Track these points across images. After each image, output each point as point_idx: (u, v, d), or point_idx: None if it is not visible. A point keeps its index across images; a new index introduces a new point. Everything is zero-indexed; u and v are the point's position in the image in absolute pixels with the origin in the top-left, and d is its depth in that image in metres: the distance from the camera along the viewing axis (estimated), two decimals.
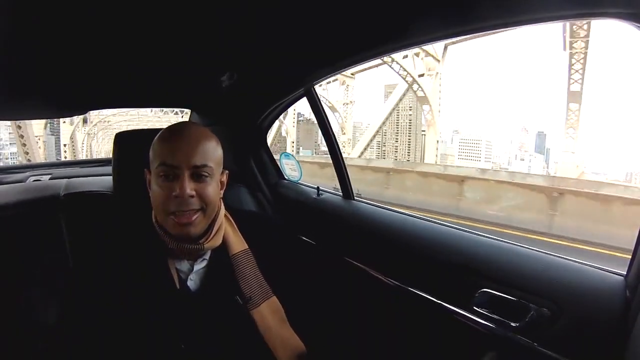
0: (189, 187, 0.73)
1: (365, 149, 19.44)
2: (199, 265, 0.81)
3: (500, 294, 0.84)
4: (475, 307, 0.87)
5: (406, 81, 17.15)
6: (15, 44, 0.81)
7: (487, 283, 0.87)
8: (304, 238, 1.35)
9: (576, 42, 14.38)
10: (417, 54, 16.64)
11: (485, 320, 0.85)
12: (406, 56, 16.37)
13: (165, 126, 0.82)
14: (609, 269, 0.81)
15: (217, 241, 0.81)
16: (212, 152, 0.78)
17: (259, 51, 1.05)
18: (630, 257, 0.74)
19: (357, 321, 1.12)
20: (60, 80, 1.06)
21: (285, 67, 1.20)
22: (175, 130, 0.79)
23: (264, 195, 1.56)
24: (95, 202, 1.10)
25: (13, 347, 0.93)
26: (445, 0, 0.77)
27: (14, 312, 0.96)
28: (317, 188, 1.48)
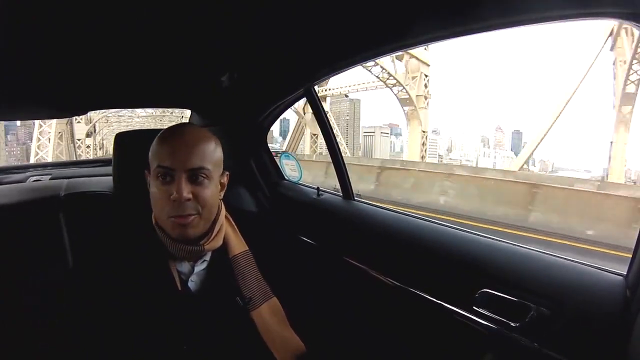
0: (186, 190, 0.73)
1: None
2: (200, 267, 0.81)
3: (500, 294, 0.84)
4: (475, 307, 0.87)
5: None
6: (14, 44, 0.80)
7: (487, 283, 0.87)
8: (304, 238, 1.35)
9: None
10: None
11: (485, 320, 0.85)
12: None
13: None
14: (609, 269, 0.81)
15: (218, 242, 0.81)
16: (210, 154, 0.77)
17: (259, 51, 1.05)
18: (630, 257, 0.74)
19: (358, 321, 1.12)
20: (60, 80, 1.06)
21: (286, 67, 1.20)
22: (173, 132, 0.79)
23: (264, 195, 1.56)
24: (96, 202, 1.10)
25: (13, 347, 0.93)
26: (445, 0, 0.77)
27: (14, 312, 0.96)
28: (317, 188, 1.48)
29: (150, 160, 0.78)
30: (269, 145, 1.71)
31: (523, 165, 15.98)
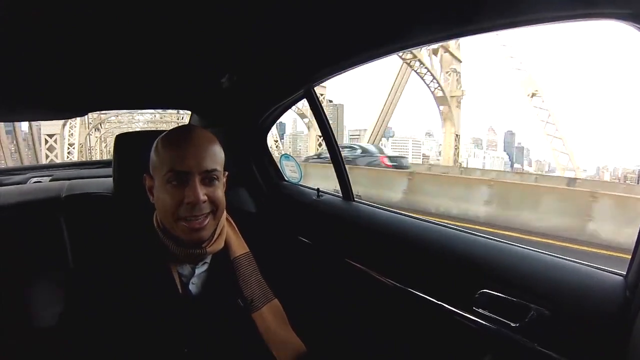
0: (202, 193, 0.73)
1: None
2: (200, 269, 0.81)
3: (500, 294, 0.85)
4: (475, 308, 0.87)
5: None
6: (13, 45, 0.81)
7: (487, 283, 0.87)
8: (304, 239, 1.35)
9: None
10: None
11: (485, 321, 0.85)
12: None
13: None
14: (609, 268, 0.81)
15: (220, 245, 0.81)
16: (219, 155, 0.78)
17: (259, 52, 1.05)
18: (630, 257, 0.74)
19: (358, 322, 1.12)
20: (60, 82, 1.06)
21: (285, 69, 1.20)
22: (181, 134, 0.78)
23: (264, 196, 1.56)
24: (96, 203, 1.10)
25: (13, 347, 0.93)
26: (446, 1, 0.77)
27: (15, 312, 0.96)
28: (317, 189, 1.48)
29: (157, 164, 0.77)
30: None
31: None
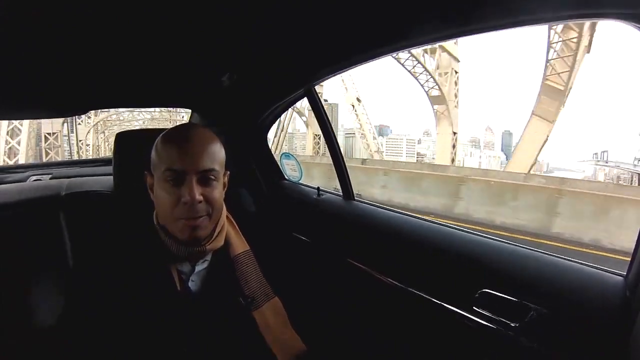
0: (198, 192, 0.73)
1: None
2: (201, 267, 0.81)
3: (500, 294, 0.85)
4: (475, 308, 0.87)
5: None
6: (14, 43, 0.81)
7: (487, 283, 0.87)
8: (304, 238, 1.35)
9: None
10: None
11: (485, 321, 0.86)
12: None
13: None
14: (609, 269, 0.81)
15: (219, 243, 0.81)
16: (218, 154, 0.78)
17: (260, 51, 1.05)
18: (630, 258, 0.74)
19: (358, 322, 1.12)
20: (60, 80, 1.06)
21: (286, 68, 1.20)
22: (180, 133, 0.78)
23: (264, 195, 1.56)
24: (96, 201, 1.09)
25: (13, 347, 0.93)
26: (446, 1, 0.77)
27: (14, 312, 0.96)
28: (318, 188, 1.48)
29: (156, 162, 0.77)
30: None
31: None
